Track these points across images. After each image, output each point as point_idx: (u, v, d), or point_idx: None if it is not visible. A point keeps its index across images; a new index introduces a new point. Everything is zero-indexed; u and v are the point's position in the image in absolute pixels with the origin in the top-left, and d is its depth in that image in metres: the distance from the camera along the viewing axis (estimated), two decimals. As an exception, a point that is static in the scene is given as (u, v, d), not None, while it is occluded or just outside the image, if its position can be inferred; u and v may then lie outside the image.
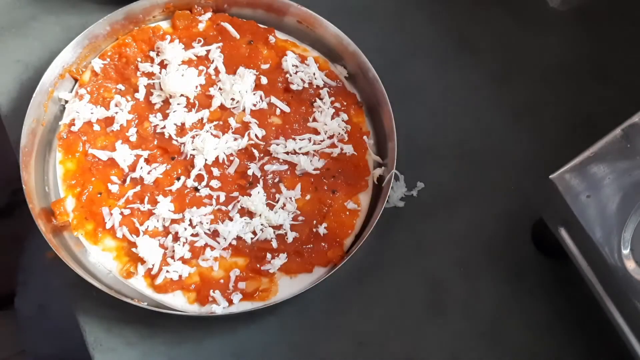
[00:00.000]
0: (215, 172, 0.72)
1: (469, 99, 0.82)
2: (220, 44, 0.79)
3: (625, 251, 0.58)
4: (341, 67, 0.80)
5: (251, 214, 0.70)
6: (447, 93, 0.82)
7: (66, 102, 0.76)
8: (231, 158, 0.73)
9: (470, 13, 0.87)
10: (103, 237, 0.69)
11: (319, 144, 0.75)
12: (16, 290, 1.06)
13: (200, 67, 0.77)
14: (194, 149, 0.73)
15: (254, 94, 0.76)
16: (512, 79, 0.83)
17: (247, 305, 0.67)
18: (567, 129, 0.79)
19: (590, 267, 0.61)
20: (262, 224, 0.69)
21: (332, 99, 0.77)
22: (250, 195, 0.71)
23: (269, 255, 0.69)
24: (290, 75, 0.77)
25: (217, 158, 0.73)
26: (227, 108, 0.76)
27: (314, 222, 0.71)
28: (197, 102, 0.76)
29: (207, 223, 0.69)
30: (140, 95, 0.76)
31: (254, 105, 0.75)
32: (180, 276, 0.68)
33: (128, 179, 0.72)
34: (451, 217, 0.75)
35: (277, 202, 0.71)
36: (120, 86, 0.76)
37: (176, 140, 0.74)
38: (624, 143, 0.61)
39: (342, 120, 0.76)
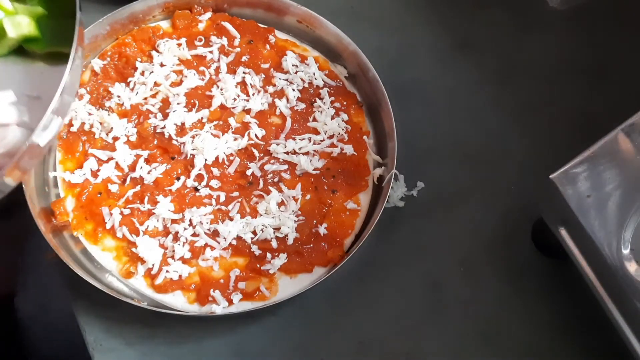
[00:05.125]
0: (215, 172, 0.72)
1: (469, 99, 0.82)
2: (221, 44, 0.79)
3: (625, 251, 0.58)
4: (341, 67, 0.80)
5: (254, 214, 0.70)
6: (447, 93, 0.82)
7: (66, 102, 0.76)
8: (231, 158, 0.73)
9: (470, 13, 0.87)
10: (103, 237, 0.69)
11: (319, 143, 0.75)
12: (16, 290, 1.06)
13: (201, 68, 0.77)
14: (194, 149, 0.73)
15: (262, 96, 0.76)
16: (512, 79, 0.83)
17: (247, 305, 0.67)
18: (567, 129, 0.79)
19: (590, 267, 0.61)
20: (262, 224, 0.69)
21: (332, 98, 0.77)
22: (251, 195, 0.71)
23: (269, 255, 0.69)
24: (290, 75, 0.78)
25: (217, 158, 0.73)
26: (227, 108, 0.76)
27: (314, 222, 0.71)
28: (197, 102, 0.76)
29: (207, 223, 0.69)
30: (140, 95, 0.76)
31: (261, 104, 0.76)
32: (180, 276, 0.68)
33: (128, 179, 0.72)
34: (451, 217, 0.75)
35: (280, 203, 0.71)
36: (120, 86, 0.76)
37: (176, 140, 0.74)
38: (624, 143, 0.61)
39: (342, 120, 0.76)
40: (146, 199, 0.71)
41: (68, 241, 0.70)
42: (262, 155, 0.74)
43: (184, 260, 0.68)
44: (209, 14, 0.81)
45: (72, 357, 0.80)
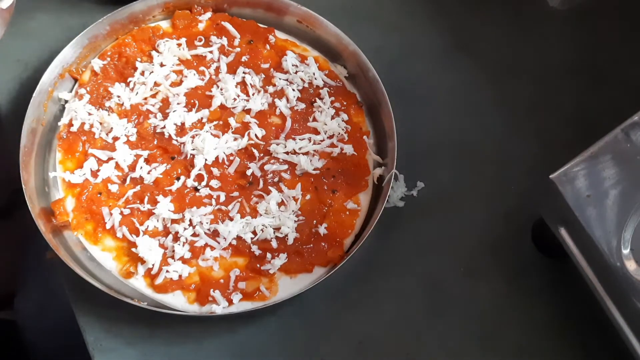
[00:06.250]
0: (215, 172, 0.72)
1: (469, 99, 0.82)
2: (221, 44, 0.79)
3: (625, 251, 0.58)
4: (341, 67, 0.80)
5: (254, 214, 0.70)
6: (447, 93, 0.82)
7: (66, 102, 0.76)
8: (231, 158, 0.73)
9: (470, 13, 0.87)
10: (103, 237, 0.69)
11: (319, 143, 0.75)
12: (16, 290, 1.06)
13: (201, 68, 0.77)
14: (193, 149, 0.73)
15: (262, 96, 0.76)
16: (512, 79, 0.83)
17: (247, 305, 0.67)
18: (567, 129, 0.79)
19: (590, 267, 0.61)
20: (262, 224, 0.69)
21: (332, 98, 0.77)
22: (251, 195, 0.71)
23: (269, 255, 0.69)
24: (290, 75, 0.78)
25: (217, 158, 0.73)
26: (227, 108, 0.76)
27: (314, 222, 0.71)
28: (197, 102, 0.76)
29: (207, 223, 0.69)
30: (140, 95, 0.76)
31: (261, 104, 0.76)
32: (180, 276, 0.68)
33: (128, 179, 0.72)
34: (451, 217, 0.75)
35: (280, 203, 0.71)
36: (119, 86, 0.76)
37: (176, 140, 0.74)
38: (624, 143, 0.61)
39: (342, 120, 0.76)
40: (146, 199, 0.71)
41: (68, 241, 0.70)
42: (262, 155, 0.74)
43: (184, 260, 0.68)
44: (209, 14, 0.81)
45: (72, 357, 0.80)
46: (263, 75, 0.78)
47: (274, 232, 0.70)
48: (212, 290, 0.67)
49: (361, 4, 0.86)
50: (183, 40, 0.78)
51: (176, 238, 0.69)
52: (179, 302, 0.68)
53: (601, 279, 0.61)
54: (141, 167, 0.72)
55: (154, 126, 0.74)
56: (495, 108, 0.81)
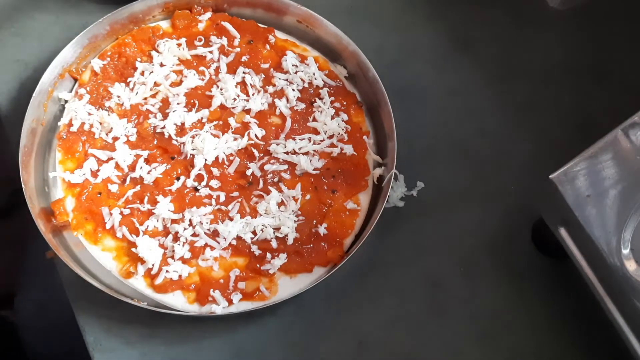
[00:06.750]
0: (215, 172, 0.72)
1: (468, 99, 0.82)
2: (221, 44, 0.79)
3: (625, 251, 0.58)
4: (341, 67, 0.80)
5: (254, 214, 0.70)
6: (447, 93, 0.82)
7: (66, 102, 0.76)
8: (231, 158, 0.73)
9: (470, 13, 0.87)
10: (103, 237, 0.69)
11: (319, 143, 0.75)
12: (16, 290, 1.06)
13: (201, 68, 0.77)
14: (193, 149, 0.73)
15: (262, 96, 0.76)
16: (512, 79, 0.83)
17: (247, 305, 0.67)
18: (567, 129, 0.79)
19: (590, 267, 0.61)
20: (262, 224, 0.69)
21: (332, 98, 0.77)
22: (251, 195, 0.71)
23: (268, 255, 0.69)
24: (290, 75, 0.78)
25: (217, 158, 0.73)
26: (227, 108, 0.76)
27: (314, 222, 0.71)
28: (197, 102, 0.76)
29: (207, 223, 0.69)
30: (140, 95, 0.76)
31: (261, 104, 0.76)
32: (180, 276, 0.68)
33: (128, 179, 0.72)
34: (451, 217, 0.75)
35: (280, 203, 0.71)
36: (119, 86, 0.76)
37: (176, 140, 0.74)
38: (624, 143, 0.61)
39: (342, 120, 0.76)
40: (146, 199, 0.71)
41: (68, 241, 0.70)
42: (262, 155, 0.74)
43: (184, 260, 0.68)
44: (208, 14, 0.81)
45: (72, 357, 0.80)
46: (263, 75, 0.78)
47: (274, 232, 0.70)
48: (212, 290, 0.67)
49: (361, 4, 0.86)
50: (183, 40, 0.78)
51: (176, 238, 0.69)
52: (179, 302, 0.68)
53: (601, 279, 0.61)
54: (141, 167, 0.72)
55: (154, 126, 0.74)
56: (495, 108, 0.81)
